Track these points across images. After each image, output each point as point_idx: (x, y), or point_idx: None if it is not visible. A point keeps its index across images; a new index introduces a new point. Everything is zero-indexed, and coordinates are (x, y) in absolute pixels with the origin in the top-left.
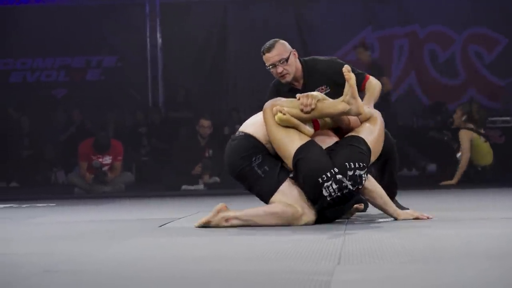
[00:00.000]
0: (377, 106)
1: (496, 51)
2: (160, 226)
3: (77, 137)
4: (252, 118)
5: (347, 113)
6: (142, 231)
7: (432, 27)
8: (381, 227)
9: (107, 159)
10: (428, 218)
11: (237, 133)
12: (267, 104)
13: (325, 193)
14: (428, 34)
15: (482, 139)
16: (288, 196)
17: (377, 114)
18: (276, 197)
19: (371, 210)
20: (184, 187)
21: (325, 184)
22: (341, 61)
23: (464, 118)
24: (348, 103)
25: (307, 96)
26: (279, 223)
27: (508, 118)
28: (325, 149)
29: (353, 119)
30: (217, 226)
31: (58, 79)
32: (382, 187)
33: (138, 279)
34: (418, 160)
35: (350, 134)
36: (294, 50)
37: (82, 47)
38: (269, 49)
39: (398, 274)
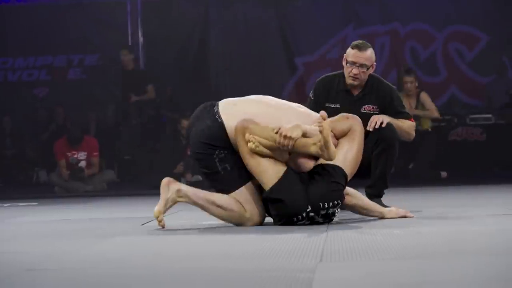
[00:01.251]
0: None
1: (477, 49)
2: (143, 224)
3: (58, 136)
4: (237, 106)
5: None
6: (125, 229)
7: (413, 25)
8: (365, 225)
9: (82, 155)
10: (412, 216)
11: (215, 108)
12: (239, 124)
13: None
14: (409, 32)
15: None
16: (244, 198)
17: (356, 125)
18: (232, 195)
19: None
20: None
21: (299, 222)
22: (397, 94)
23: (417, 83)
24: (320, 149)
25: (285, 136)
26: (224, 217)
27: (489, 116)
28: (301, 173)
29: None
30: (173, 203)
31: (40, 78)
32: (372, 182)
33: (121, 277)
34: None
35: (330, 162)
36: (375, 63)
37: (64, 45)
38: (362, 48)
39: (382, 271)
